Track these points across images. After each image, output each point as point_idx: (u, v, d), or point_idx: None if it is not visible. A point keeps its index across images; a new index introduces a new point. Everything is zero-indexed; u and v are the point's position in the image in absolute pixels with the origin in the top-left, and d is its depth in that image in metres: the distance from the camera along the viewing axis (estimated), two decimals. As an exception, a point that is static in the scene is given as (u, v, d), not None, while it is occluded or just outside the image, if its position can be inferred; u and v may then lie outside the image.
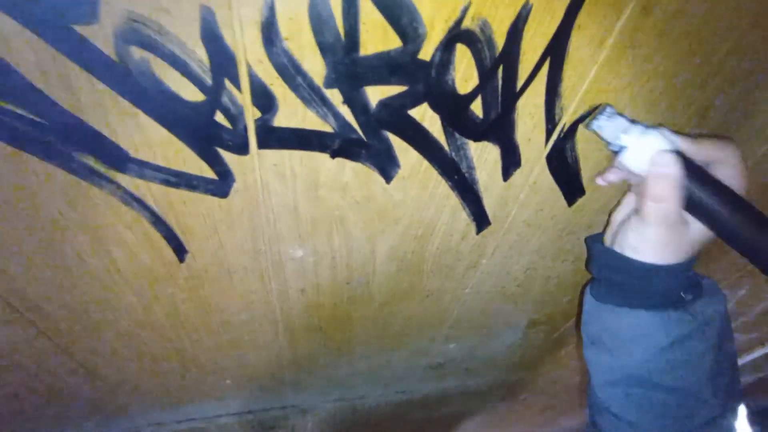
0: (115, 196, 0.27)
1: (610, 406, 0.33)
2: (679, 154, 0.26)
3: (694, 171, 0.26)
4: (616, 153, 0.28)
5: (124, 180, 0.26)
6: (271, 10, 0.20)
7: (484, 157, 0.30)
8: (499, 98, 0.26)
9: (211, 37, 0.20)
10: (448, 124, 0.27)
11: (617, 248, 0.32)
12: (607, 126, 0.27)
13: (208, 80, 0.22)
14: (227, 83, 0.22)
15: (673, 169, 0.26)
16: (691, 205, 0.27)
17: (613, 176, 0.31)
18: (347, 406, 0.73)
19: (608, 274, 0.33)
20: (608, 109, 0.27)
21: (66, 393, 0.48)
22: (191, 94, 0.22)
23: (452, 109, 0.26)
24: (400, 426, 0.86)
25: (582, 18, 0.23)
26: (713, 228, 0.27)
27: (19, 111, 0.22)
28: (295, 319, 0.44)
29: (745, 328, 0.77)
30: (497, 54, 0.24)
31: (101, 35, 0.19)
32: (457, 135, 0.28)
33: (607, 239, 0.34)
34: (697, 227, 0.29)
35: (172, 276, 0.35)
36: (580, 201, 0.37)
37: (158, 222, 0.30)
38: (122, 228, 0.29)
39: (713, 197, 0.26)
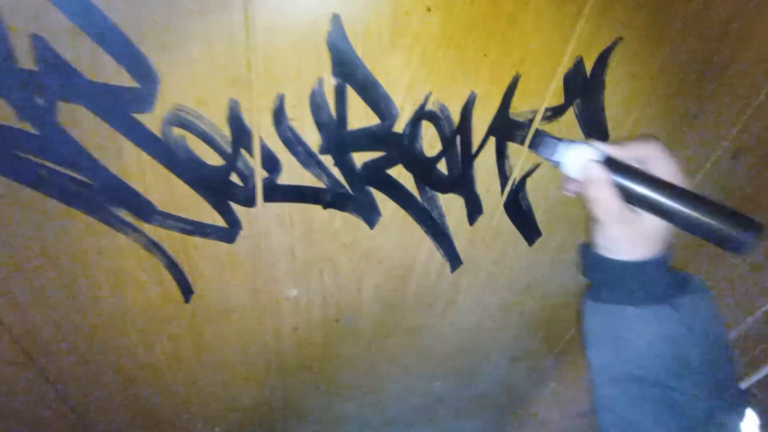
0: (139, 243, 0.32)
1: (613, 405, 0.34)
2: (608, 158, 0.30)
3: (620, 169, 0.29)
4: (558, 166, 0.31)
5: (149, 229, 0.31)
6: (281, 100, 0.27)
7: (452, 206, 0.36)
8: (459, 159, 0.33)
9: (235, 119, 0.27)
10: (420, 180, 0.34)
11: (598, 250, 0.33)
12: (542, 146, 0.30)
13: (229, 150, 0.28)
14: (243, 152, 0.28)
15: (596, 172, 0.29)
16: (630, 198, 0.29)
17: (570, 186, 0.33)
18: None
19: (596, 274, 0.34)
20: (539, 132, 0.31)
21: (54, 443, 0.48)
22: (214, 160, 0.28)
23: (422, 168, 0.33)
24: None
25: (515, 101, 0.31)
26: (657, 213, 0.29)
27: (74, 174, 0.27)
28: (287, 357, 0.47)
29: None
30: (455, 127, 0.31)
31: (152, 119, 0.26)
32: (427, 188, 0.35)
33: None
34: (651, 217, 0.30)
35: (177, 316, 0.38)
36: (538, 241, 0.43)
37: (172, 266, 0.34)
38: (140, 271, 0.34)
39: (642, 186, 0.29)
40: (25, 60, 0.22)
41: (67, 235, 0.30)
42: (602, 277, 0.34)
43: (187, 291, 0.36)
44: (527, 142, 0.34)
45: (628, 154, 0.30)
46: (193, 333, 0.40)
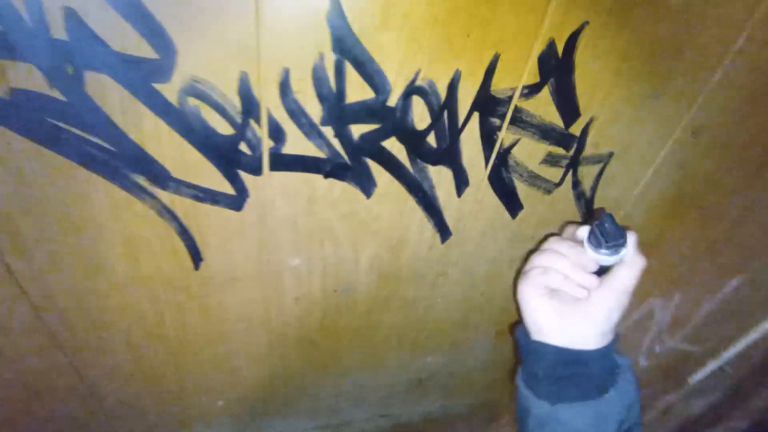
0: (154, 209, 0.34)
1: None
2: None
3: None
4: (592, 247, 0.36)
5: (163, 195, 0.34)
6: (287, 73, 0.30)
7: (441, 178, 0.40)
8: (447, 133, 0.37)
9: (245, 90, 0.30)
10: (411, 152, 0.37)
11: (564, 343, 0.35)
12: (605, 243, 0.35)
13: (239, 119, 0.31)
14: (251, 122, 0.31)
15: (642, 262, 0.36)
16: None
17: (589, 280, 0.36)
18: (332, 436, 0.74)
19: (560, 371, 0.35)
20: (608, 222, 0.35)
21: (62, 417, 0.50)
22: (225, 129, 0.31)
23: (413, 140, 0.36)
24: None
25: (496, 79, 0.35)
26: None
27: (96, 140, 0.30)
28: (288, 329, 0.50)
29: (688, 339, 0.85)
30: (442, 102, 0.35)
31: (170, 89, 0.28)
32: (418, 160, 0.38)
33: (547, 335, 0.36)
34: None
35: (186, 284, 0.41)
36: (521, 214, 0.46)
37: (184, 232, 0.37)
38: (153, 237, 0.36)
39: None
40: (58, 30, 0.25)
41: (88, 200, 0.32)
42: (571, 373, 0.34)
43: (197, 258, 0.39)
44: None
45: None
46: (199, 302, 0.43)
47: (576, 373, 0.35)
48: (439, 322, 0.57)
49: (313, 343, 0.53)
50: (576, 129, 0.40)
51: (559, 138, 0.40)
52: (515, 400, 0.40)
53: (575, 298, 0.37)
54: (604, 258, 0.36)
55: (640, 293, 0.68)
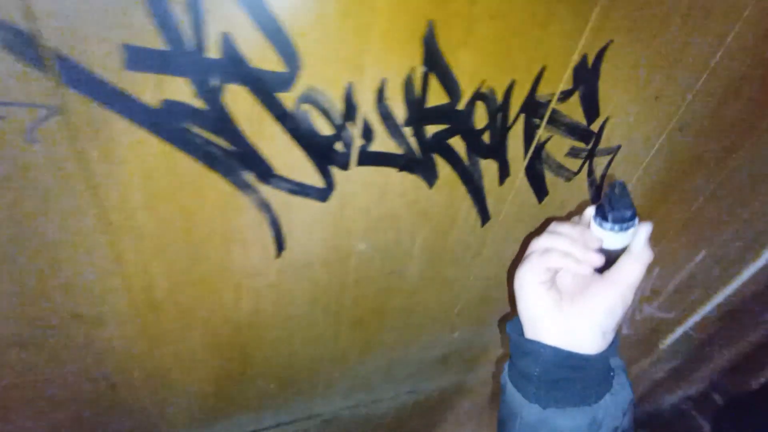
0: (254, 203, 0.39)
1: None
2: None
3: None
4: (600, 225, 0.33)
5: (264, 190, 0.38)
6: (384, 83, 0.35)
7: (488, 169, 0.47)
8: (498, 131, 0.44)
9: (348, 97, 0.35)
10: (469, 148, 0.44)
11: (561, 343, 0.32)
12: (618, 213, 0.31)
13: (339, 122, 0.36)
14: (349, 124, 0.37)
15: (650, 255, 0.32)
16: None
17: (596, 258, 0.32)
18: (362, 414, 0.80)
19: (558, 374, 0.32)
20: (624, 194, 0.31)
21: (133, 410, 0.52)
22: (327, 130, 0.36)
23: (472, 138, 0.43)
24: None
25: (540, 86, 0.42)
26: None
27: (220, 141, 0.34)
28: (343, 310, 0.55)
29: (662, 307, 0.99)
30: (498, 106, 0.41)
31: (289, 97, 0.33)
32: (473, 155, 0.45)
33: (545, 336, 0.33)
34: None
35: (266, 271, 0.45)
36: (546, 199, 0.54)
37: (274, 223, 0.41)
38: (247, 228, 0.40)
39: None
40: (213, 51, 0.29)
41: (201, 194, 0.36)
42: (570, 377, 0.31)
43: (280, 247, 0.43)
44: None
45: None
46: (274, 288, 0.47)
47: (572, 378, 0.32)
48: (469, 300, 0.64)
49: (361, 323, 0.59)
50: (595, 126, 0.48)
51: (582, 134, 0.48)
52: (498, 398, 0.37)
53: (576, 291, 0.33)
54: (609, 236, 0.32)
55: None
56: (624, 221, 0.31)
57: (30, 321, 0.38)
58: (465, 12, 0.34)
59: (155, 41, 0.27)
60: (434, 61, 0.35)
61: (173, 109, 0.30)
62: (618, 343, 0.34)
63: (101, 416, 0.51)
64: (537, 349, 0.32)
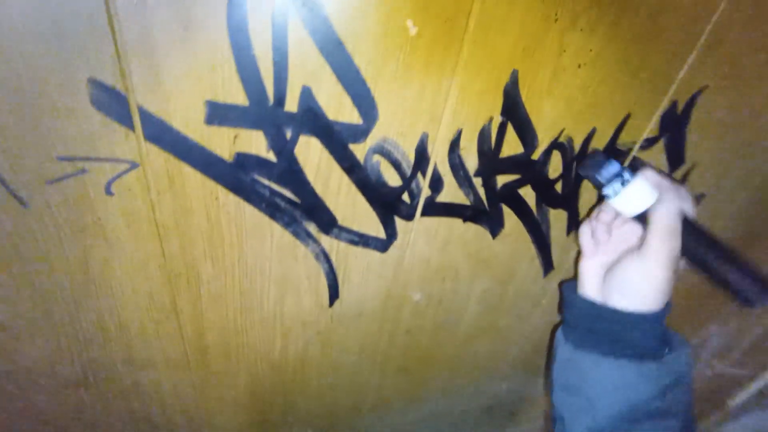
0: (312, 253, 0.37)
1: None
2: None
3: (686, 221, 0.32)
4: (605, 195, 0.34)
5: (325, 240, 0.36)
6: (459, 133, 0.33)
7: (557, 219, 0.43)
8: (572, 180, 0.40)
9: (421, 148, 0.33)
10: (540, 197, 0.40)
11: (600, 297, 0.35)
12: (598, 171, 0.33)
13: (408, 173, 0.34)
14: (418, 175, 0.35)
15: (678, 222, 0.32)
16: (685, 250, 0.33)
17: (607, 216, 0.35)
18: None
19: (589, 323, 0.35)
20: (598, 155, 0.33)
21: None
22: (395, 181, 0.34)
23: (544, 188, 0.40)
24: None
25: (623, 134, 0.38)
26: (696, 265, 0.33)
27: (286, 192, 0.32)
28: (390, 360, 0.52)
29: (735, 363, 0.89)
30: (575, 155, 0.38)
31: (360, 149, 0.32)
32: (543, 205, 0.41)
33: (587, 288, 0.37)
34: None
35: (318, 320, 0.43)
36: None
37: (331, 273, 0.39)
38: (304, 278, 0.39)
39: (700, 244, 0.32)
40: (291, 104, 0.28)
41: (262, 245, 0.35)
42: (600, 328, 0.34)
43: (334, 296, 0.41)
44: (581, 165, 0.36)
45: (661, 185, 0.33)
46: (323, 336, 0.45)
47: (600, 329, 0.34)
48: (521, 349, 0.60)
49: (407, 372, 0.55)
50: (678, 174, 0.44)
51: (663, 183, 0.44)
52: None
53: (617, 261, 0.35)
54: (614, 197, 0.33)
55: (700, 319, 0.72)
56: (615, 177, 0.33)
57: (86, 363, 0.38)
58: (552, 61, 0.31)
59: (237, 96, 0.26)
60: (514, 110, 0.33)
61: (244, 161, 0.29)
62: (667, 310, 0.34)
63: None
64: (567, 296, 0.38)
